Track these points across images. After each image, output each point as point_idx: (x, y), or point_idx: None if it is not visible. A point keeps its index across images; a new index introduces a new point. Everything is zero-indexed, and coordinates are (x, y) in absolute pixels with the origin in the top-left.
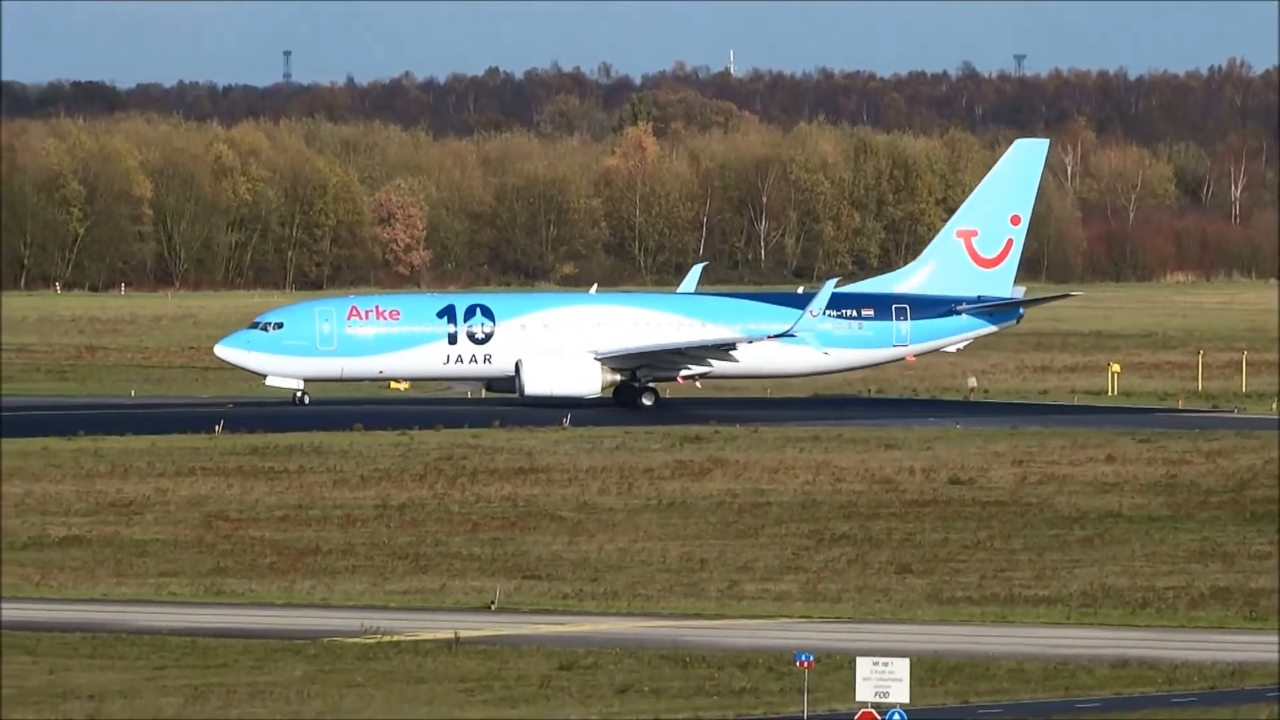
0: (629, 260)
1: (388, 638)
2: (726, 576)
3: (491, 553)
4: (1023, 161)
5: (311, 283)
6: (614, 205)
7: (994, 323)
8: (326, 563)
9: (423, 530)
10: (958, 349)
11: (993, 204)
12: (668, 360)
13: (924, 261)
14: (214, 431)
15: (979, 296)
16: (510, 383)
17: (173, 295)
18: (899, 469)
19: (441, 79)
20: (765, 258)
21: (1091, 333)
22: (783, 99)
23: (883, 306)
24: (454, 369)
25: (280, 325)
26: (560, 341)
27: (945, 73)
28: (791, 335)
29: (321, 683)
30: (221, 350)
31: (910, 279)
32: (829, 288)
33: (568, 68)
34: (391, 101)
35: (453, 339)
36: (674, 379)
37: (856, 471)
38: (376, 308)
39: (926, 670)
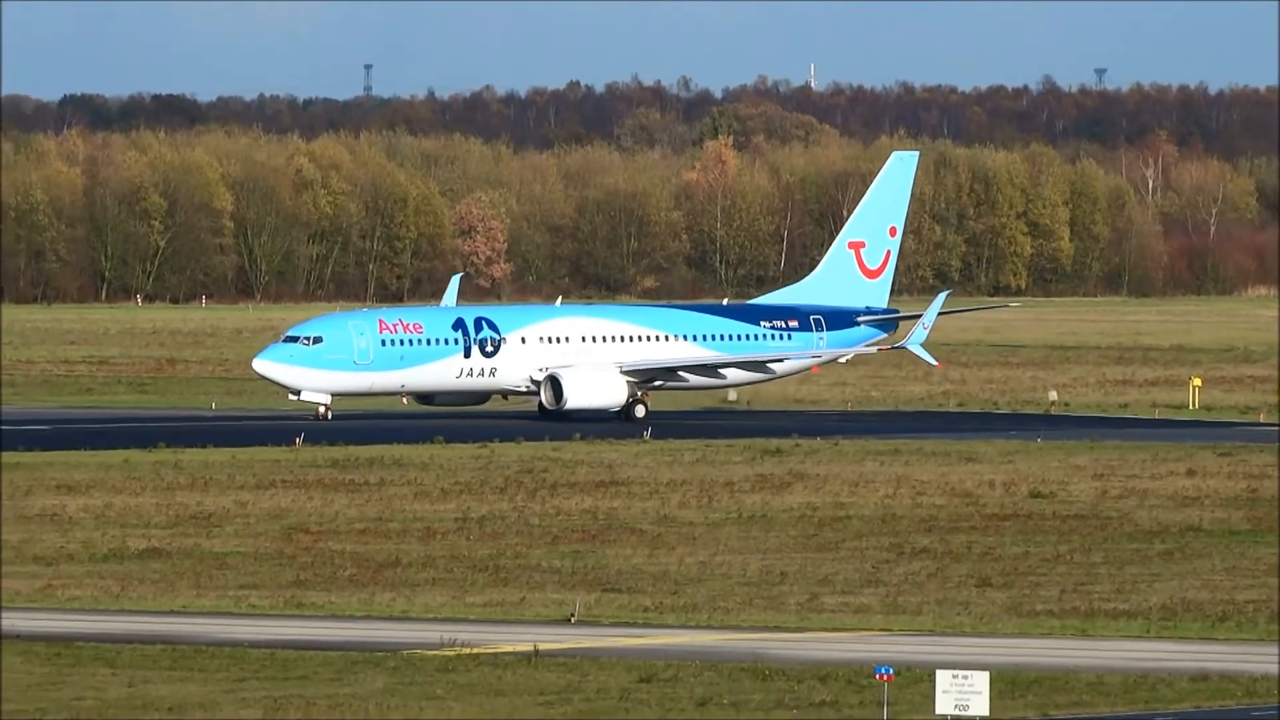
0: (709, 273)
1: (467, 650)
2: (807, 590)
3: (571, 565)
4: (899, 173)
5: (392, 295)
6: (695, 218)
7: (883, 331)
8: (406, 575)
9: (503, 543)
10: (846, 360)
11: (876, 215)
12: (682, 374)
13: (819, 273)
14: (295, 444)
15: (867, 307)
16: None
17: (253, 308)
18: (979, 482)
19: (522, 92)
20: None
21: (1173, 346)
22: (863, 113)
23: (803, 318)
24: (464, 382)
25: (319, 339)
26: (583, 355)
27: (1026, 87)
28: (904, 347)
29: (401, 695)
30: (260, 365)
31: (807, 290)
32: (939, 301)
33: (648, 81)
34: (472, 115)
35: (467, 352)
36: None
37: (937, 485)
38: (401, 321)
39: (1006, 683)
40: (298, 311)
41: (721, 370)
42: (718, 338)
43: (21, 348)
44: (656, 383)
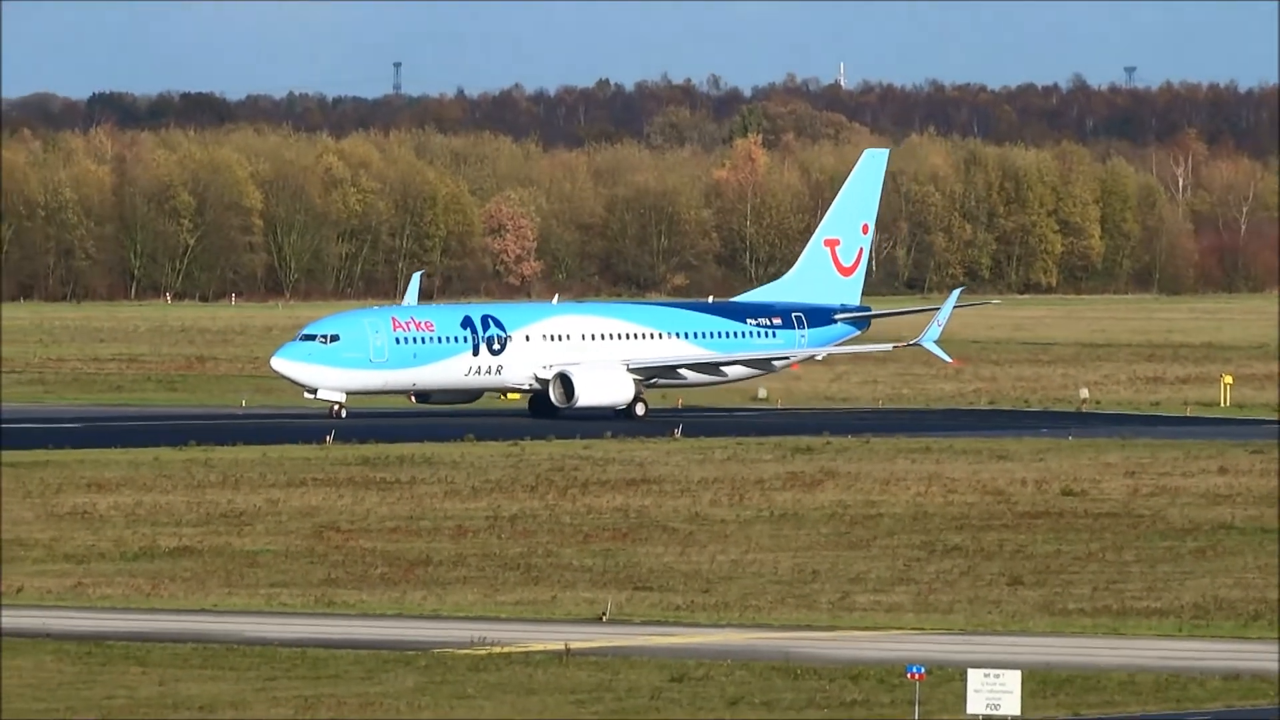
0: (739, 271)
1: (498, 649)
2: (838, 588)
3: (603, 564)
4: (870, 171)
5: (422, 293)
6: (724, 217)
7: (859, 329)
8: (437, 574)
9: (534, 541)
10: (823, 357)
11: (850, 213)
12: (682, 371)
13: (796, 270)
14: (325, 442)
15: (842, 305)
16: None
17: (283, 306)
18: (1011, 480)
19: (551, 91)
20: (876, 269)
21: (1204, 344)
22: (893, 111)
23: (786, 316)
24: (472, 380)
25: (336, 337)
26: (586, 352)
27: (1056, 85)
28: (919, 344)
29: (432, 694)
30: (278, 363)
31: (784, 288)
32: (953, 298)
33: (678, 79)
34: (501, 113)
35: (476, 349)
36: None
37: (968, 483)
38: (413, 319)
39: (1038, 682)
40: (327, 309)
41: (723, 368)
42: (709, 335)
43: (52, 345)
44: (652, 380)
